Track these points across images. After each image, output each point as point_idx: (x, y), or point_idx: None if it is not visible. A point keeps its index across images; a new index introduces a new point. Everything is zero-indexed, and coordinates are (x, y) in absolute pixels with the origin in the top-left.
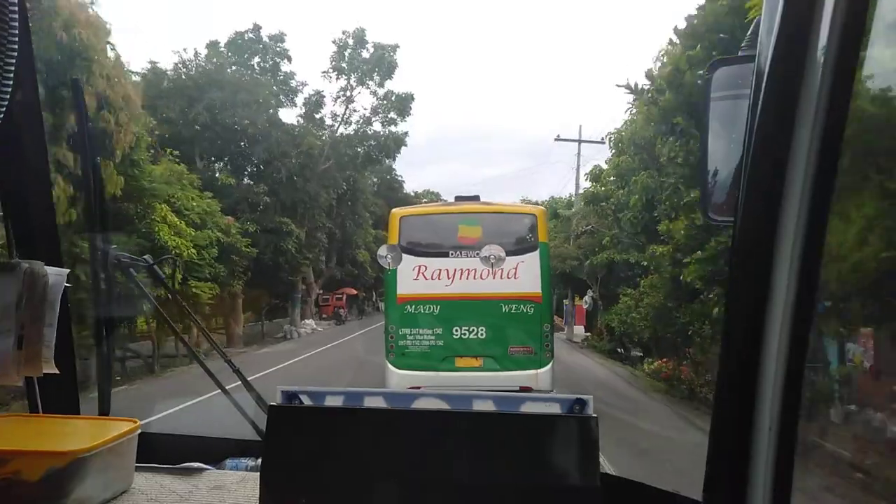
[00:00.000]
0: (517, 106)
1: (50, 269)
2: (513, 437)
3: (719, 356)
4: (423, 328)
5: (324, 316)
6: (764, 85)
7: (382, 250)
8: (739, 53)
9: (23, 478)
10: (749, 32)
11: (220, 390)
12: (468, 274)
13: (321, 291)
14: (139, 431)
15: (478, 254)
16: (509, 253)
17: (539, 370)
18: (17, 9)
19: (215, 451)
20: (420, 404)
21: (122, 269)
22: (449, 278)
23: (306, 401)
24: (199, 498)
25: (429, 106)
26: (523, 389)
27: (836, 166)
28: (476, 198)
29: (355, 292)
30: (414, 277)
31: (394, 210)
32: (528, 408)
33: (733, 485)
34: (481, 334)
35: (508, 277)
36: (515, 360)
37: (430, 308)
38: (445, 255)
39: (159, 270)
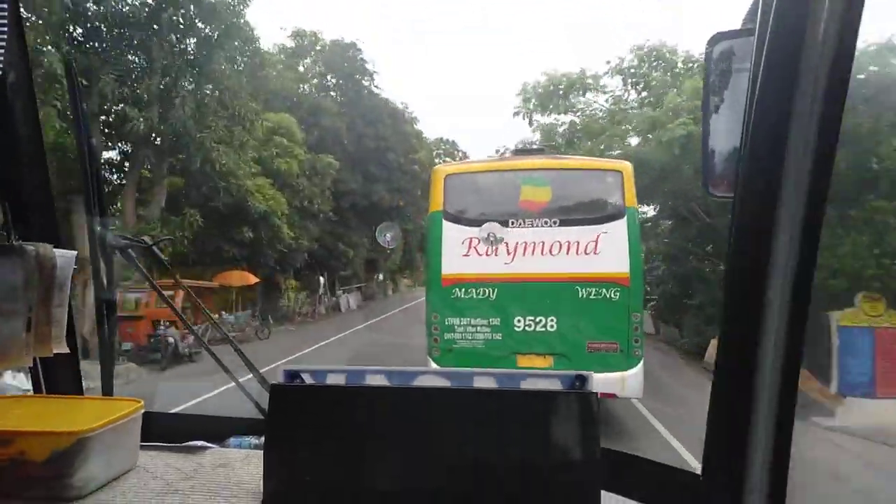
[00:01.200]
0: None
1: (58, 252)
2: (513, 413)
3: (719, 333)
4: (476, 318)
5: (126, 347)
6: (764, 58)
7: (380, 230)
8: (740, 27)
9: (28, 458)
10: (749, 5)
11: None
12: (534, 248)
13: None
14: (143, 411)
15: (546, 222)
16: (587, 221)
17: (626, 372)
18: None
19: (218, 430)
20: (421, 381)
21: (120, 250)
22: (509, 254)
23: (308, 379)
24: (204, 475)
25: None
26: (605, 397)
27: (837, 141)
28: (541, 151)
29: (253, 281)
30: (463, 253)
31: (437, 167)
32: (529, 384)
33: (731, 461)
34: (551, 326)
35: (586, 253)
36: (596, 360)
37: (484, 292)
38: (504, 224)
39: (158, 252)
